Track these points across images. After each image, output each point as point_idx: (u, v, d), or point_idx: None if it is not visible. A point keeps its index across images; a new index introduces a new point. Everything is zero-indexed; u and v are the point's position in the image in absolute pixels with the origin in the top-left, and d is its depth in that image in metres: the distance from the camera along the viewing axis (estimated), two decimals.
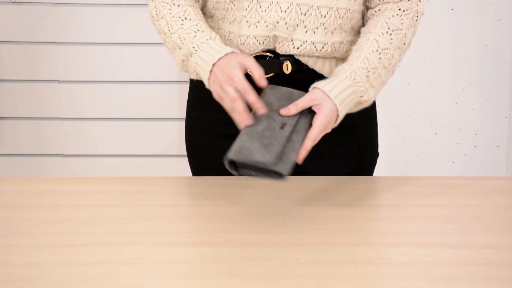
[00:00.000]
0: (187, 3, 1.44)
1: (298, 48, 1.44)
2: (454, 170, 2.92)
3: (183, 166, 2.82)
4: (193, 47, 1.37)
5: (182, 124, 2.83)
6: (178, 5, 1.43)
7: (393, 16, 1.44)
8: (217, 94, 1.31)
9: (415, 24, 1.45)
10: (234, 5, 1.43)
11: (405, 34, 1.44)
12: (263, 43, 1.44)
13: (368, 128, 1.59)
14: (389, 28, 1.43)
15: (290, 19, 1.41)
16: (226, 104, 1.29)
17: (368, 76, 1.38)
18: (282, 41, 1.44)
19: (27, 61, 2.79)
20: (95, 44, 2.80)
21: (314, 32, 1.43)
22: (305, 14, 1.41)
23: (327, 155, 1.53)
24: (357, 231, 1.23)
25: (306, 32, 1.43)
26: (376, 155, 1.62)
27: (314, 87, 1.35)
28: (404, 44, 1.44)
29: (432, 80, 2.86)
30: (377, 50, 1.40)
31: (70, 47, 2.79)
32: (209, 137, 1.49)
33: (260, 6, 1.41)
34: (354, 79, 1.37)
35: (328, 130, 1.34)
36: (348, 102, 1.36)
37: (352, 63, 1.39)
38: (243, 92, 1.26)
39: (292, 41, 1.44)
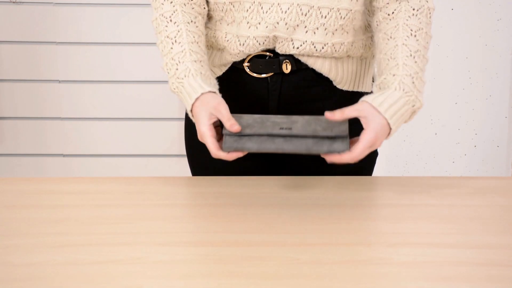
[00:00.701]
0: (184, 19, 1.43)
1: (297, 48, 1.44)
2: (454, 170, 2.92)
3: (183, 166, 2.82)
4: (173, 88, 1.39)
5: (182, 124, 2.83)
6: (174, 23, 1.43)
7: (409, 17, 1.41)
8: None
9: (430, 21, 1.43)
10: (233, 7, 1.43)
11: (426, 32, 1.41)
12: (263, 43, 1.44)
13: None
14: (411, 30, 1.40)
15: (290, 20, 1.41)
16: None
17: (413, 82, 1.34)
18: (282, 41, 1.44)
19: (27, 61, 2.80)
20: (95, 44, 2.80)
21: (314, 33, 1.43)
22: (305, 15, 1.41)
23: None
24: (357, 231, 1.23)
25: (306, 32, 1.43)
26: (375, 154, 1.62)
27: (362, 100, 1.32)
28: (428, 42, 1.41)
29: (432, 80, 2.86)
30: (410, 55, 1.36)
31: (70, 47, 2.79)
32: None
33: (262, 8, 1.41)
34: (403, 90, 1.32)
35: (378, 146, 1.31)
36: (401, 114, 1.32)
37: (394, 72, 1.35)
38: (214, 156, 1.31)
39: (292, 41, 1.43)
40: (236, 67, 1.49)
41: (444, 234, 1.21)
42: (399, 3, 1.43)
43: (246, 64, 1.48)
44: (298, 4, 1.40)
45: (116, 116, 2.86)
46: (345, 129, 1.26)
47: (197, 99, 1.35)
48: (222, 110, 1.32)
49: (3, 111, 2.83)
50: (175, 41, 1.41)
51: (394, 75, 1.34)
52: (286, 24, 1.41)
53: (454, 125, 2.89)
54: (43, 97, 2.83)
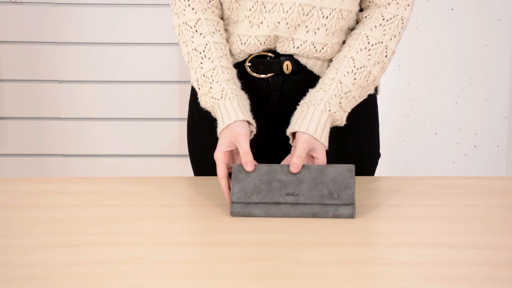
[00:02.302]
0: (209, 29, 1.44)
1: (297, 47, 1.44)
2: (454, 170, 2.92)
3: (183, 166, 2.82)
4: (207, 102, 1.42)
5: (182, 124, 2.83)
6: (200, 34, 1.44)
7: (375, 26, 1.43)
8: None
9: (399, 32, 1.44)
10: (239, 5, 1.43)
11: (386, 46, 1.42)
12: (264, 43, 1.44)
13: (369, 128, 1.59)
14: (368, 43, 1.42)
15: (292, 20, 1.41)
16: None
17: (340, 103, 1.39)
18: (282, 41, 1.44)
19: (27, 61, 2.80)
20: (95, 44, 2.80)
21: (315, 33, 1.43)
22: (307, 15, 1.41)
23: (327, 154, 1.53)
24: (357, 231, 1.23)
25: (307, 32, 1.43)
26: (377, 155, 1.62)
27: (298, 132, 1.36)
28: (386, 56, 1.43)
29: (432, 80, 2.86)
30: (352, 71, 1.40)
31: (70, 47, 2.79)
32: (210, 136, 1.49)
33: (265, 7, 1.41)
34: (329, 110, 1.38)
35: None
36: (327, 134, 1.38)
37: (326, 89, 1.39)
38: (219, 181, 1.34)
39: (292, 40, 1.44)
40: (237, 67, 1.49)
41: (444, 234, 1.21)
42: (378, 8, 1.44)
43: (247, 64, 1.48)
44: (300, 4, 1.40)
45: (116, 116, 2.86)
46: (351, 194, 1.29)
47: (228, 125, 1.37)
48: (242, 142, 1.34)
49: (3, 111, 2.83)
50: (205, 56, 1.43)
51: (325, 92, 1.39)
52: (287, 23, 1.41)
53: (454, 125, 2.89)
54: (43, 97, 2.83)
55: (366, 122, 1.57)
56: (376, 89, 1.57)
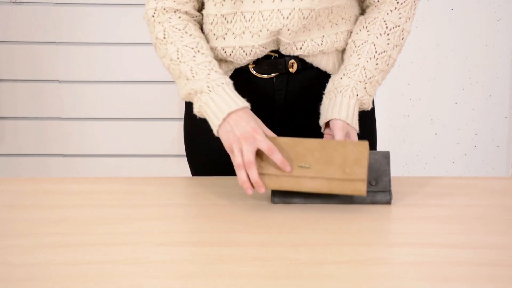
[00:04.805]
0: (199, 34, 1.43)
1: (300, 48, 1.44)
2: (454, 170, 2.92)
3: (183, 166, 2.82)
4: (208, 87, 1.36)
5: (182, 124, 2.83)
6: (190, 35, 1.41)
7: (391, 10, 1.45)
8: (229, 146, 1.32)
9: (412, 14, 1.47)
10: (244, 16, 1.42)
11: (402, 29, 1.46)
12: (268, 47, 1.44)
13: (366, 127, 1.58)
14: (387, 27, 1.44)
15: (293, 25, 1.40)
16: (235, 162, 1.31)
17: (365, 88, 1.42)
18: (284, 45, 1.44)
19: (27, 61, 2.80)
20: (95, 44, 2.80)
21: (310, 30, 1.44)
22: (306, 18, 1.41)
23: None
24: (357, 231, 1.23)
25: (309, 34, 1.43)
26: None
27: (332, 119, 1.38)
28: (403, 39, 1.46)
29: (432, 80, 2.86)
30: (374, 56, 1.43)
31: (70, 47, 2.79)
32: (208, 136, 1.49)
33: (262, 16, 1.40)
34: (357, 95, 1.41)
35: None
36: (357, 118, 1.41)
37: (350, 75, 1.42)
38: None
39: (294, 44, 1.43)
40: (241, 68, 1.49)
41: (444, 234, 1.21)
42: None
43: (251, 65, 1.47)
44: (300, 9, 1.39)
45: (116, 116, 2.86)
46: (387, 180, 1.33)
47: (242, 108, 1.33)
48: (268, 133, 1.34)
49: (3, 111, 2.83)
50: (198, 51, 1.39)
51: (349, 78, 1.42)
52: (288, 29, 1.41)
53: (454, 125, 2.89)
54: (43, 97, 2.83)
55: (363, 122, 1.57)
56: None
